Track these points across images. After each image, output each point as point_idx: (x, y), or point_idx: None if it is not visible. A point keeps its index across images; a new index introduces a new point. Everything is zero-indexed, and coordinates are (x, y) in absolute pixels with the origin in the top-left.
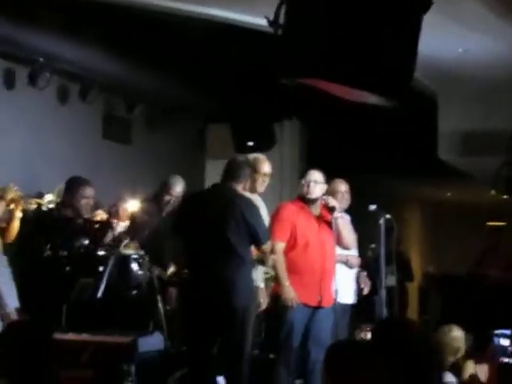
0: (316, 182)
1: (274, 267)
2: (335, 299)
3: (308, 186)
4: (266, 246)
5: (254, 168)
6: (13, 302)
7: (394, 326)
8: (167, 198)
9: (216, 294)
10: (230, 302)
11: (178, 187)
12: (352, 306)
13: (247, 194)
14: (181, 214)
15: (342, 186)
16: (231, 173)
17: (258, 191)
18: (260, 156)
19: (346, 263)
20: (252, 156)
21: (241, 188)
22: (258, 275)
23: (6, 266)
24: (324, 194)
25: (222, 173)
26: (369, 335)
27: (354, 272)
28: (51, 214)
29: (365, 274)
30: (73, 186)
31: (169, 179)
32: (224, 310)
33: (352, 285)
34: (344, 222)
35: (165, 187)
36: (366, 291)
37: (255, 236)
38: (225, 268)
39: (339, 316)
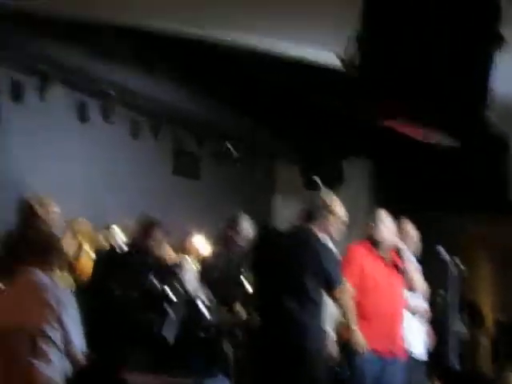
0: (384, 223)
1: (343, 310)
2: (408, 352)
3: (376, 227)
4: (338, 291)
5: (328, 209)
6: (79, 345)
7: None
8: (234, 236)
9: (287, 336)
10: (301, 343)
11: (245, 225)
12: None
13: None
14: (256, 253)
15: (409, 227)
16: (308, 214)
17: (332, 236)
18: (336, 199)
19: (416, 314)
20: (329, 198)
21: (317, 229)
22: (328, 323)
23: (75, 307)
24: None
25: (298, 213)
26: None
27: (423, 324)
28: (122, 253)
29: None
30: (145, 226)
31: (235, 217)
32: (295, 351)
33: (423, 338)
34: (413, 265)
35: (232, 224)
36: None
37: (329, 281)
38: (298, 311)
39: (412, 371)
